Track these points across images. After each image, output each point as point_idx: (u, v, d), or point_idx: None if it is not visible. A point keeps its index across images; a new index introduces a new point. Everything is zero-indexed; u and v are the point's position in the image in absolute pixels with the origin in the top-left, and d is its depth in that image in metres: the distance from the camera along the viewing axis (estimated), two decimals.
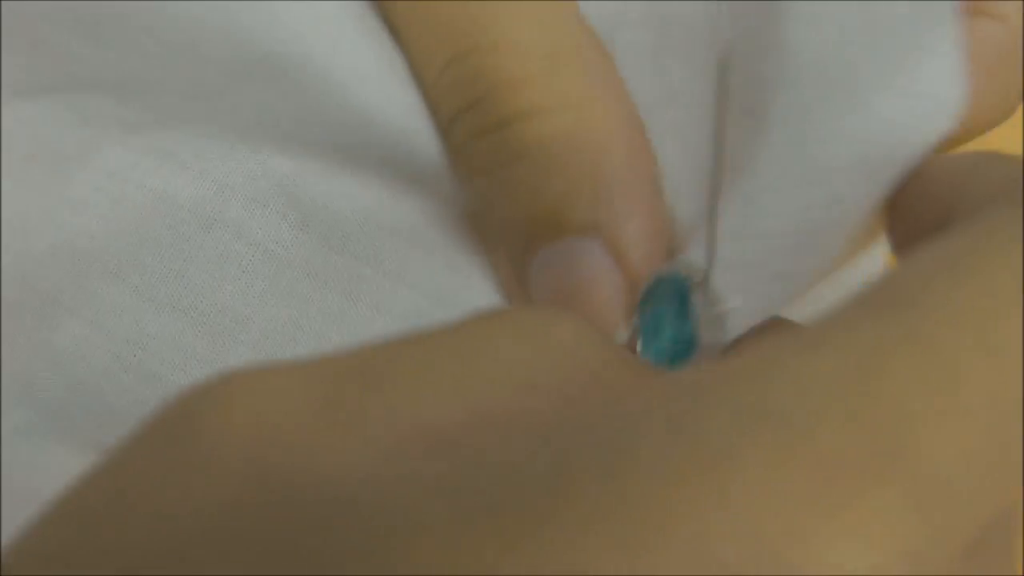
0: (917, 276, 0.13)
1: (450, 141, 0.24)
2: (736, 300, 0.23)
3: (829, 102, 0.22)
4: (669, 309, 0.23)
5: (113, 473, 0.13)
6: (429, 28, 0.24)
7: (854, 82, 0.22)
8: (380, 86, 0.25)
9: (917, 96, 0.22)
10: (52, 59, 0.26)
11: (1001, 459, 0.12)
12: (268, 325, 0.24)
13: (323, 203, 0.25)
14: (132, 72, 0.25)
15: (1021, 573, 0.12)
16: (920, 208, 0.21)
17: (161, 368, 0.24)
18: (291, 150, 0.25)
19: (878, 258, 0.30)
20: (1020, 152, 0.36)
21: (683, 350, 0.23)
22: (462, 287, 0.25)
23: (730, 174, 0.23)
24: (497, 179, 0.23)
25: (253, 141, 0.25)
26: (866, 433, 0.11)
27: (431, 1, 0.24)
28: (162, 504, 0.12)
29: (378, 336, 0.15)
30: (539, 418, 0.13)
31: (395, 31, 0.25)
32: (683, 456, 0.11)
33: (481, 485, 0.11)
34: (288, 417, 0.13)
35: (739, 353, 0.13)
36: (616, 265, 0.23)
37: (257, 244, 0.25)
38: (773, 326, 0.22)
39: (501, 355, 0.14)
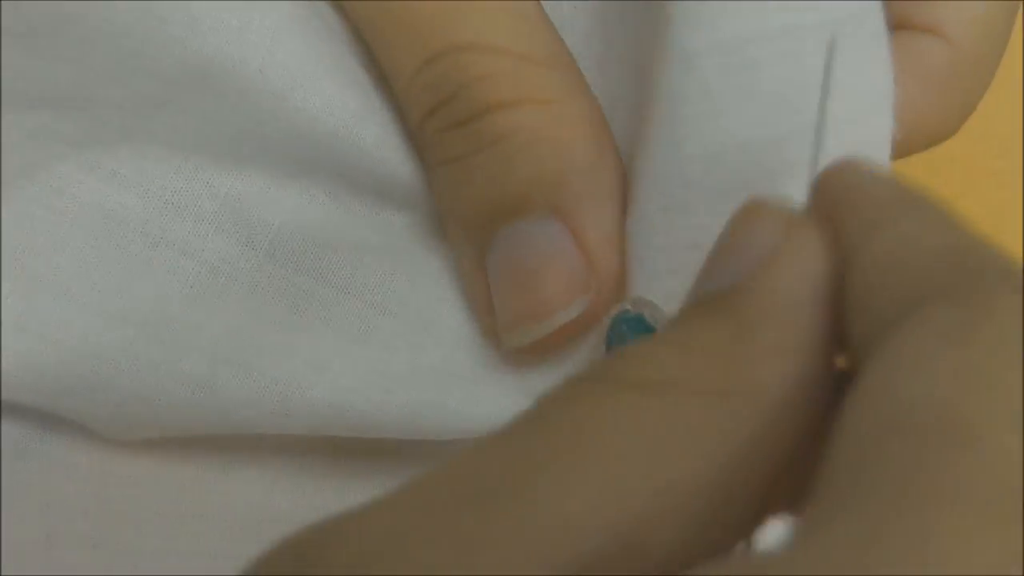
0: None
1: (421, 136, 0.25)
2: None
3: (763, 106, 0.22)
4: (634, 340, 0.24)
5: None
6: (405, 28, 0.24)
7: (784, 87, 0.22)
8: (322, 90, 0.25)
9: (851, 90, 0.21)
10: None
11: None
12: (219, 333, 0.25)
13: (267, 219, 0.25)
14: (72, 86, 0.25)
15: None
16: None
17: (114, 376, 0.25)
18: (235, 165, 0.25)
19: None
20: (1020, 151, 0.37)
21: None
22: (409, 294, 0.26)
23: (654, 184, 0.23)
24: (465, 165, 0.24)
25: (197, 158, 0.25)
26: None
27: (407, 1, 0.24)
28: None
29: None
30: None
31: (364, 31, 0.26)
32: None
33: None
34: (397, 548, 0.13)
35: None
36: (575, 247, 0.24)
37: (204, 261, 0.25)
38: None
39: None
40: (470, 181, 0.24)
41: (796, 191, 0.22)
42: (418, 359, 0.26)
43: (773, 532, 0.16)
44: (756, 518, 0.15)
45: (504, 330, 0.24)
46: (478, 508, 0.14)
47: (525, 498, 0.14)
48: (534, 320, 0.24)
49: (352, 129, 0.25)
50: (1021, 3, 0.26)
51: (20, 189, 0.24)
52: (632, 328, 0.24)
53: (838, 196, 0.17)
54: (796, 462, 0.15)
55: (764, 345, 0.15)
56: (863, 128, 0.22)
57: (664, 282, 0.24)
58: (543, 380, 0.26)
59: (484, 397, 0.26)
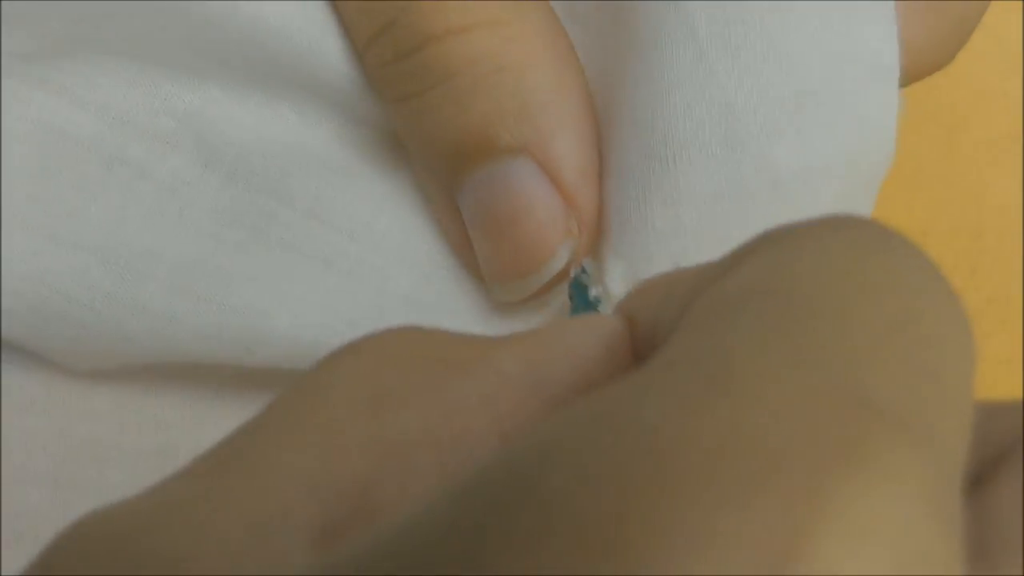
0: None
1: (366, 68, 0.23)
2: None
3: (750, 63, 0.21)
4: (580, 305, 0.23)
5: None
6: None
7: (784, 45, 0.21)
8: (285, 5, 0.24)
9: (857, 61, 0.21)
10: None
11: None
12: (177, 261, 0.24)
13: (228, 138, 0.24)
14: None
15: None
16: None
17: (67, 306, 0.24)
18: (194, 80, 0.24)
19: None
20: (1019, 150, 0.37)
21: None
22: (375, 218, 0.25)
23: (634, 134, 0.23)
24: (417, 105, 0.22)
25: (153, 71, 0.24)
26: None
27: None
28: None
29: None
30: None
31: None
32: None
33: None
34: (137, 527, 0.13)
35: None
36: (550, 186, 0.22)
37: (161, 182, 0.24)
38: None
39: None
40: (427, 122, 0.22)
41: (783, 153, 0.21)
42: (386, 287, 0.25)
43: None
44: None
45: (492, 283, 0.23)
46: (211, 480, 0.14)
47: (255, 459, 0.14)
48: (522, 275, 0.23)
49: (318, 45, 0.23)
50: None
51: None
52: (578, 290, 0.24)
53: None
54: None
55: (520, 343, 0.15)
56: (868, 98, 0.22)
57: (634, 235, 0.23)
58: (513, 311, 0.25)
59: (454, 328, 0.25)
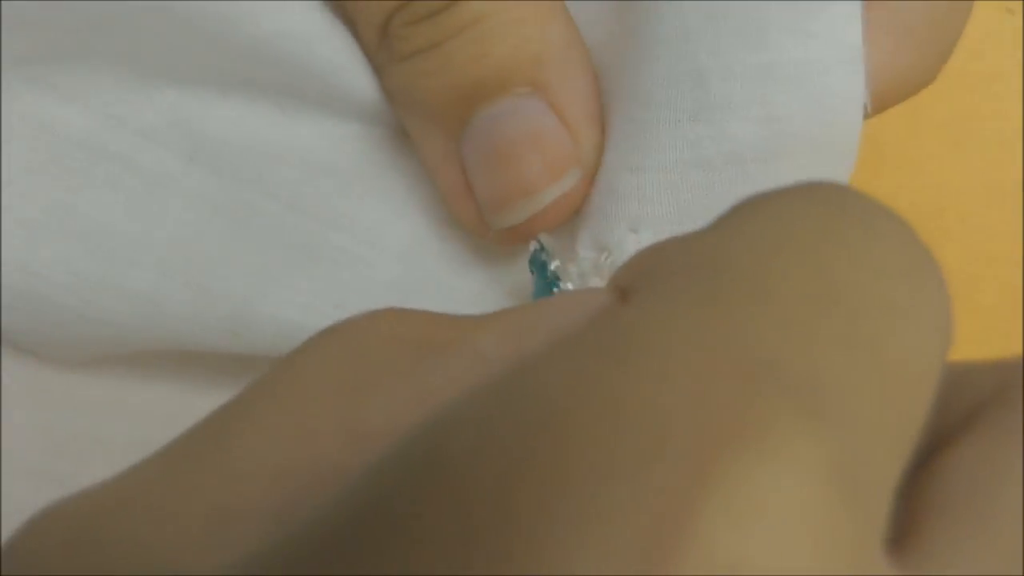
0: None
1: (383, 36, 0.24)
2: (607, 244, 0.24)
3: (725, 35, 0.22)
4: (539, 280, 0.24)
5: None
6: None
7: (758, 19, 0.22)
8: (272, 10, 0.24)
9: (824, 42, 0.22)
10: None
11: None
12: (162, 249, 0.24)
13: (212, 133, 0.25)
14: (9, 7, 0.24)
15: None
16: None
17: (56, 294, 0.24)
18: (179, 79, 0.25)
19: None
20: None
21: None
22: (359, 210, 0.25)
23: (614, 97, 0.23)
24: (436, 53, 0.23)
25: (140, 71, 0.24)
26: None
27: None
28: None
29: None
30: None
31: None
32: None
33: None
34: (94, 520, 0.13)
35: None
36: (558, 122, 0.23)
37: (146, 175, 0.25)
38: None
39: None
40: (443, 67, 0.23)
41: (746, 127, 0.22)
42: (370, 276, 0.25)
43: None
44: None
45: (491, 211, 0.24)
46: (176, 466, 0.14)
47: (219, 449, 0.13)
48: (523, 196, 0.23)
49: (302, 45, 0.24)
50: None
51: None
52: (538, 265, 0.24)
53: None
54: None
55: (500, 322, 0.15)
56: (833, 76, 0.22)
57: (598, 199, 0.24)
58: (496, 298, 0.26)
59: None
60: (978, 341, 0.39)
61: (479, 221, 0.24)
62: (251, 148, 0.25)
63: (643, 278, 0.13)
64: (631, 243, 0.23)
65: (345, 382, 0.14)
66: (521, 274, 0.26)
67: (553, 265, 0.24)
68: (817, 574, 0.09)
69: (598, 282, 0.23)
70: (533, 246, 0.24)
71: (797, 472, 0.10)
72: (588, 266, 0.24)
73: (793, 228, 0.12)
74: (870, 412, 0.11)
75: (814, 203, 0.13)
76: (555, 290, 0.24)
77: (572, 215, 0.24)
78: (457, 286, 0.25)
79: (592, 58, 0.24)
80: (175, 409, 0.27)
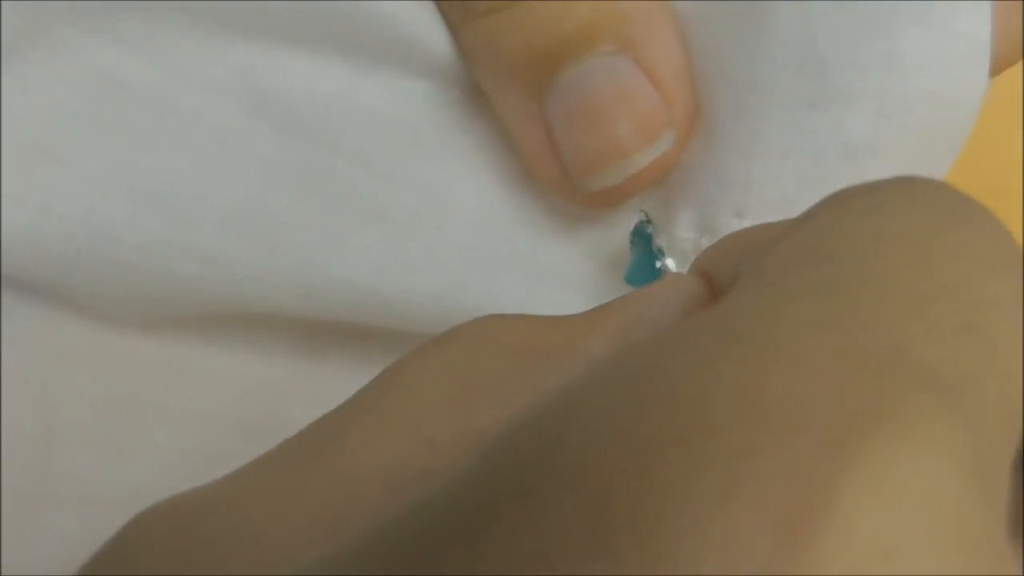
0: None
1: None
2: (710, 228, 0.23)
3: (850, 23, 0.21)
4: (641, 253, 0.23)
5: None
6: None
7: (884, 8, 0.21)
8: None
9: (950, 35, 0.21)
10: None
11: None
12: (228, 207, 0.24)
13: (279, 88, 0.24)
14: None
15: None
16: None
17: (119, 250, 0.23)
18: (248, 32, 0.24)
19: None
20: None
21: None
22: (429, 170, 0.25)
23: (725, 82, 0.22)
24: (515, 10, 0.22)
25: (207, 22, 0.24)
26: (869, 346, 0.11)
27: None
28: None
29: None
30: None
31: None
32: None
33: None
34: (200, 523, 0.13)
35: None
36: (649, 82, 0.22)
37: (212, 132, 0.24)
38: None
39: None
40: (523, 24, 0.22)
41: (860, 119, 0.21)
42: (440, 240, 0.24)
43: None
44: None
45: (581, 173, 0.23)
46: (292, 465, 0.14)
47: (333, 451, 0.14)
48: (616, 159, 0.22)
49: (377, 2, 0.23)
50: None
51: (20, 52, 0.23)
52: (641, 238, 0.23)
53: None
54: None
55: (607, 322, 0.15)
56: (957, 71, 0.21)
57: (706, 184, 0.23)
58: (566, 263, 0.25)
59: (508, 280, 0.24)
60: None
61: (566, 183, 0.23)
62: (320, 105, 0.24)
63: (740, 267, 0.14)
64: (735, 227, 0.23)
65: (458, 389, 0.14)
66: (604, 243, 0.25)
67: (658, 240, 0.23)
68: (956, 559, 0.10)
69: None
70: (638, 217, 0.23)
71: (934, 458, 0.10)
72: (690, 247, 0.23)
73: (897, 221, 0.13)
74: (994, 401, 0.11)
75: (914, 198, 0.13)
76: (657, 264, 0.23)
77: (665, 178, 0.23)
78: (535, 253, 0.25)
79: (684, 32, 0.23)
80: (238, 376, 0.27)
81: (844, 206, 0.13)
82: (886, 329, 0.11)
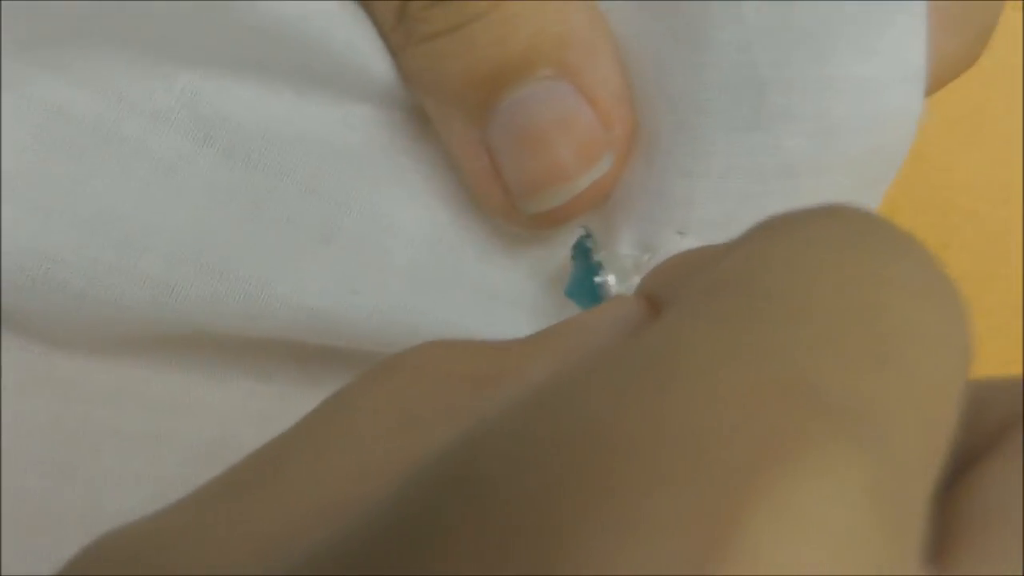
0: None
1: (401, 19, 0.23)
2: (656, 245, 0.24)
3: (787, 45, 0.22)
4: (580, 266, 0.24)
5: None
6: None
7: (822, 31, 0.22)
8: None
9: (886, 59, 0.22)
10: None
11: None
12: (176, 233, 0.24)
13: (226, 115, 0.24)
14: None
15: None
16: None
17: (68, 277, 0.24)
18: (193, 60, 0.24)
19: None
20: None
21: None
22: (374, 195, 0.25)
23: (666, 102, 0.23)
24: (458, 36, 0.23)
25: (153, 53, 0.24)
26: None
27: None
28: None
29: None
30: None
31: None
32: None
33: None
34: (157, 545, 0.13)
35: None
36: (588, 106, 0.23)
37: (158, 159, 0.24)
38: None
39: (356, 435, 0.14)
40: (464, 50, 0.23)
41: (800, 141, 0.22)
42: (384, 261, 0.25)
43: None
44: None
45: (523, 197, 0.23)
46: (230, 502, 0.14)
47: (273, 482, 0.14)
48: (557, 182, 0.23)
49: (318, 26, 0.24)
50: None
51: None
52: (581, 252, 0.24)
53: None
54: None
55: (548, 347, 0.15)
56: (893, 94, 0.22)
57: (648, 202, 0.23)
58: (510, 284, 0.25)
59: (453, 299, 0.25)
60: (987, 339, 0.39)
61: (508, 206, 0.24)
62: (266, 131, 0.25)
63: (674, 291, 0.14)
64: (676, 245, 0.23)
65: (399, 418, 0.14)
66: (546, 261, 0.25)
67: (598, 256, 0.23)
68: None
69: (637, 280, 0.23)
70: (579, 233, 0.24)
71: (841, 491, 0.10)
72: (630, 263, 0.23)
73: (819, 250, 0.13)
74: (905, 432, 0.11)
75: (841, 226, 0.13)
76: (596, 279, 0.24)
77: (605, 199, 0.24)
78: (479, 272, 0.25)
79: (625, 53, 0.24)
80: (190, 400, 0.27)
81: (770, 234, 0.13)
82: (796, 360, 0.11)
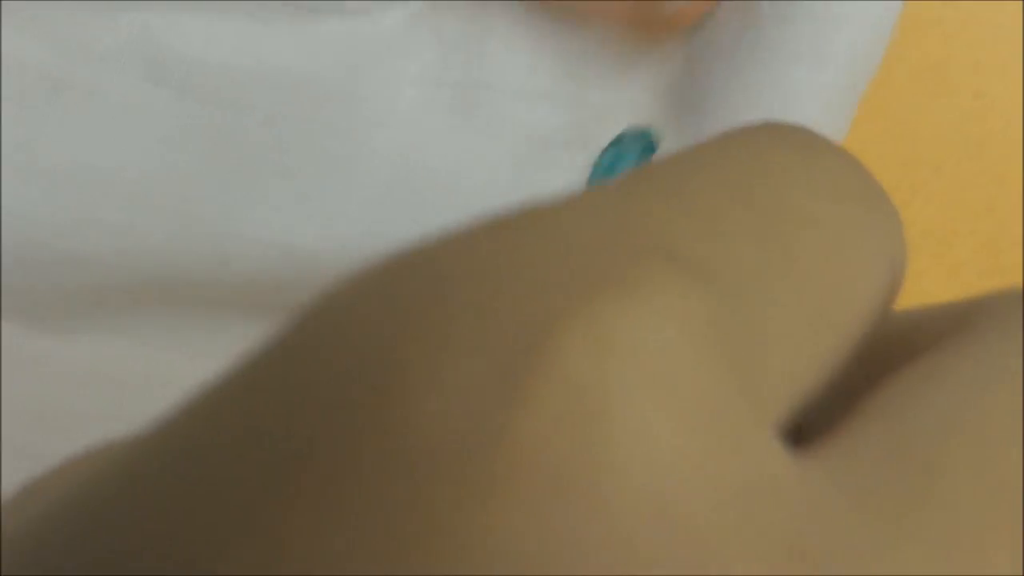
0: None
1: None
2: None
3: None
4: (630, 156, 0.24)
5: None
6: None
7: None
8: None
9: None
10: None
11: None
12: (136, 177, 0.24)
13: (177, 53, 0.24)
14: None
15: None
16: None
17: (31, 231, 0.23)
18: None
19: None
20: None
21: None
22: (338, 118, 0.24)
23: None
24: None
25: None
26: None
27: None
28: None
29: None
30: None
31: None
32: None
33: None
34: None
35: None
36: None
37: (111, 103, 0.23)
38: None
39: None
40: None
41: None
42: (351, 188, 0.24)
43: None
44: None
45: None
46: None
47: None
48: None
49: None
50: None
51: None
52: (635, 147, 0.24)
53: None
54: None
55: None
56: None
57: None
58: (484, 194, 0.25)
59: (425, 221, 0.25)
60: (953, 295, 0.39)
61: (637, 15, 0.24)
62: (220, 64, 0.24)
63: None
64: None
65: None
66: (520, 175, 0.25)
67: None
68: (679, 419, 0.09)
69: None
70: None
71: (670, 318, 0.10)
72: None
73: (731, 148, 0.13)
74: (774, 303, 0.11)
75: (764, 131, 0.13)
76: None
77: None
78: (455, 186, 0.25)
79: None
80: (159, 380, 0.27)
81: (719, 139, 0.13)
82: (662, 229, 0.11)
